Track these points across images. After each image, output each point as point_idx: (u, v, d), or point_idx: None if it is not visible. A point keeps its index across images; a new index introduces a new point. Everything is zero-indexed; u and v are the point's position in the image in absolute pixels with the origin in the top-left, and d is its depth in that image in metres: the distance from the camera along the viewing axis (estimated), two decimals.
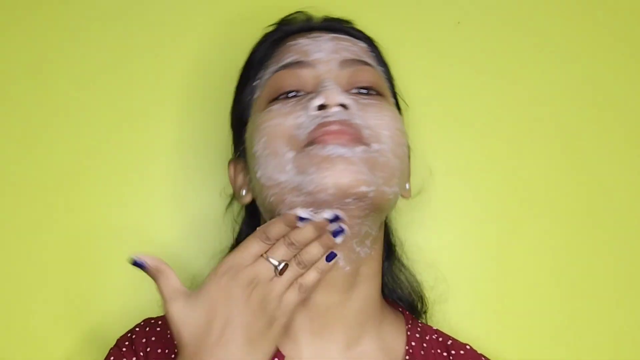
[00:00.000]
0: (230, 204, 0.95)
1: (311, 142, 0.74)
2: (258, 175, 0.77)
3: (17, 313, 0.97)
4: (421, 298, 0.93)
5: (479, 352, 0.86)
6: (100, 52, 1.02)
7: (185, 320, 0.68)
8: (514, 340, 0.98)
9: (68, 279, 0.98)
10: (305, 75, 0.80)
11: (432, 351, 0.82)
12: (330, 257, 0.72)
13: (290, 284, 0.70)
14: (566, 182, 1.03)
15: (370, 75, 0.81)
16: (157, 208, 1.01)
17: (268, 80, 0.82)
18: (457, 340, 0.86)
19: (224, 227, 0.95)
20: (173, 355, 0.79)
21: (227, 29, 1.04)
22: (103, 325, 0.96)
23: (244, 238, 0.79)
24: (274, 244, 0.70)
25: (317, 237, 0.71)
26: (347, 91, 0.79)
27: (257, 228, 0.72)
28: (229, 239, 0.94)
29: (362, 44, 0.85)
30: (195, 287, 0.72)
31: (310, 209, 0.71)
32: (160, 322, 0.82)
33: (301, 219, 0.70)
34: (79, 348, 0.96)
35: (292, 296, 0.70)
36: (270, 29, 0.88)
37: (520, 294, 1.01)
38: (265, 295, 0.69)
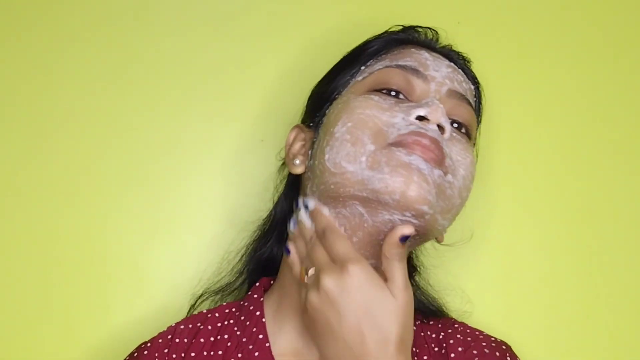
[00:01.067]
0: (282, 165, 0.95)
1: (398, 144, 0.75)
2: (326, 157, 0.77)
3: (17, 317, 0.97)
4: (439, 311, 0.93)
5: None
6: (104, 55, 1.03)
7: None
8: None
9: (72, 286, 0.98)
10: (415, 84, 0.81)
11: (426, 346, 0.83)
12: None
13: None
14: (564, 192, 1.03)
15: (469, 115, 0.83)
16: (162, 209, 1.01)
17: (378, 71, 0.82)
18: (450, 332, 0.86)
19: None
20: None
21: (226, 26, 1.05)
22: (110, 336, 0.97)
23: (281, 211, 0.87)
24: None
25: None
26: (450, 124, 0.79)
27: None
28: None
29: (472, 86, 0.87)
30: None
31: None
32: (149, 345, 0.82)
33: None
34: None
35: None
36: (396, 29, 0.90)
37: (544, 312, 1.02)
38: None
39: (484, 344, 0.84)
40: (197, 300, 0.94)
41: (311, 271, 0.72)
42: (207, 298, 0.94)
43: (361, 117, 0.77)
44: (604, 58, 1.06)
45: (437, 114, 0.76)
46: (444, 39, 0.90)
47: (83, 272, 0.98)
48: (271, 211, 0.93)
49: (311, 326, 0.71)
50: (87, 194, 1.00)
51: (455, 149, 0.79)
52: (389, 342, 0.67)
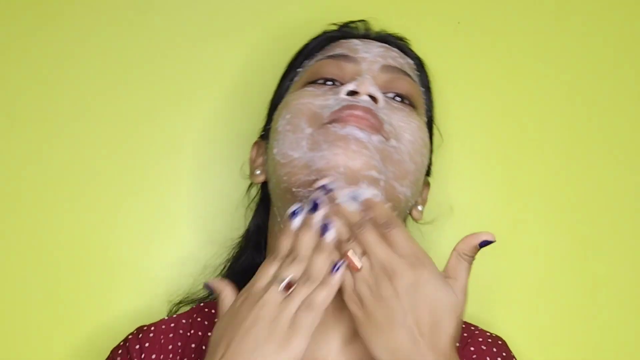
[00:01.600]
0: (249, 188, 0.95)
1: (333, 120, 0.75)
2: (275, 151, 0.78)
3: (15, 316, 0.98)
4: None
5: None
6: (101, 61, 1.03)
7: (210, 340, 0.69)
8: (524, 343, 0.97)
9: (69, 280, 0.99)
10: (347, 68, 0.82)
11: None
12: (336, 268, 0.70)
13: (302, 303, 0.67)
14: (565, 188, 1.03)
15: (408, 86, 0.83)
16: (162, 207, 1.02)
17: (311, 66, 0.85)
18: None
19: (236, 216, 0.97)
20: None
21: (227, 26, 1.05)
22: (102, 330, 0.97)
23: (255, 224, 0.85)
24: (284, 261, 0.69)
25: (318, 246, 0.69)
26: (382, 94, 0.80)
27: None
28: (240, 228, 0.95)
29: (410, 61, 0.88)
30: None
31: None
32: (153, 328, 0.82)
33: (293, 214, 0.71)
34: (76, 355, 0.97)
35: (303, 316, 0.66)
36: (331, 28, 0.91)
37: (531, 300, 1.02)
38: (274, 316, 0.66)
39: (480, 339, 0.84)
40: (173, 309, 0.93)
41: (357, 256, 0.69)
42: (186, 304, 0.93)
43: (297, 107, 0.79)
44: (606, 58, 1.06)
45: (366, 85, 0.78)
46: (376, 26, 0.91)
47: (79, 272, 0.99)
48: (247, 229, 0.93)
49: (367, 317, 0.68)
50: (83, 197, 1.00)
51: (396, 116, 0.79)
52: (447, 336, 0.67)
